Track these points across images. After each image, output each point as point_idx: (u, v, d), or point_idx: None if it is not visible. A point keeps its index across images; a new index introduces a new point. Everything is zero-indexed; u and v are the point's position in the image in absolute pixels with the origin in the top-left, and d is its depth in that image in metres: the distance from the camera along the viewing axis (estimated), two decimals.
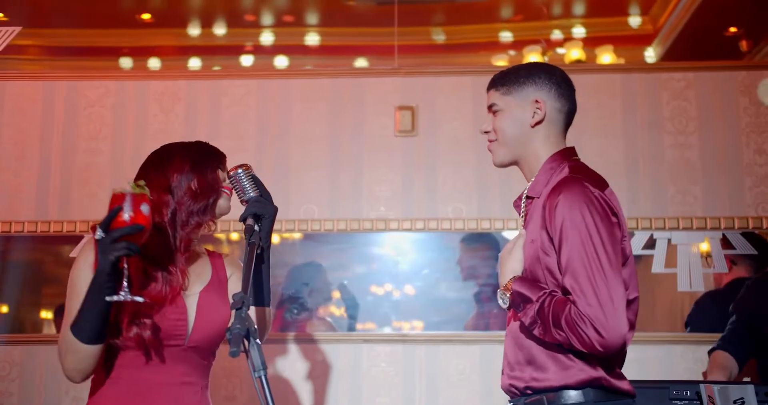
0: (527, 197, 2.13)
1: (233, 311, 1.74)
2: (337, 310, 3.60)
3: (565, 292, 1.91)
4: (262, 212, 2.08)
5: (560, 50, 4.26)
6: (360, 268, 3.63)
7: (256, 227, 2.06)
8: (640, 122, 3.63)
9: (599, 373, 1.95)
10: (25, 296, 3.66)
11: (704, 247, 3.50)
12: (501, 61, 4.65)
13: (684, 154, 3.59)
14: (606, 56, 4.98)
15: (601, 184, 2.03)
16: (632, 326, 1.96)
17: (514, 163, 2.16)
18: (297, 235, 3.60)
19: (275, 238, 3.60)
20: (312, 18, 3.92)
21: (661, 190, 3.56)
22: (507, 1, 4.36)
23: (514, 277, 2.01)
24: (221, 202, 2.16)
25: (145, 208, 1.85)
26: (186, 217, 2.08)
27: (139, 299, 1.88)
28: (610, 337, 1.83)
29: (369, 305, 3.57)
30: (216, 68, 3.89)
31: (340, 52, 3.89)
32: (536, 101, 2.11)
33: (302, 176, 3.63)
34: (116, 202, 1.85)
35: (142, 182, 1.90)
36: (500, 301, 2.03)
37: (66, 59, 3.95)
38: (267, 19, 3.93)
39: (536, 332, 1.94)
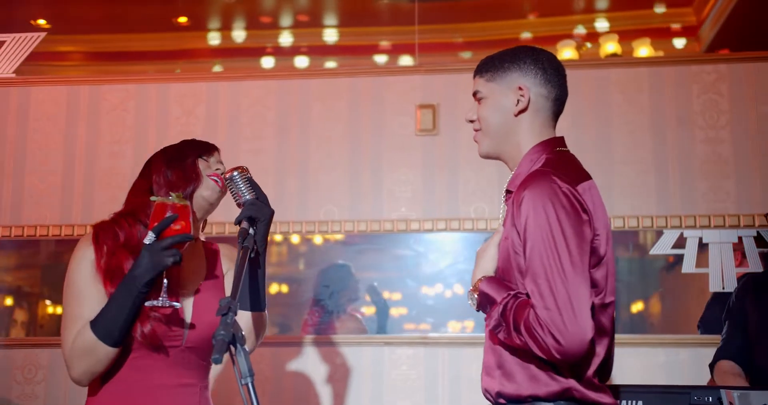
0: (507, 192, 1.99)
1: (221, 317, 1.70)
2: (367, 311, 3.56)
3: (527, 294, 1.78)
4: (257, 215, 2.03)
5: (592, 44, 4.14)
6: (383, 269, 3.58)
7: (251, 230, 2.02)
8: (668, 117, 3.51)
9: (570, 382, 1.82)
10: (50, 300, 3.70)
11: (737, 245, 3.37)
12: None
13: (715, 150, 3.46)
14: (643, 49, 4.85)
15: (576, 178, 1.87)
16: (607, 333, 1.85)
17: (498, 155, 2.03)
18: (338, 236, 3.56)
19: (295, 239, 3.58)
20: (331, 17, 3.89)
21: (691, 187, 3.43)
22: None
23: (483, 276, 1.90)
24: (204, 192, 2.13)
25: (190, 220, 1.94)
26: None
27: (177, 305, 1.91)
28: (568, 343, 1.69)
29: (392, 305, 3.52)
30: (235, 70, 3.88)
31: (360, 52, 3.84)
32: (519, 88, 1.97)
33: (322, 177, 3.60)
34: (163, 211, 1.90)
35: (179, 194, 1.96)
36: (469, 302, 1.93)
37: (89, 64, 3.98)
38: (287, 19, 3.90)
39: (500, 336, 1.84)
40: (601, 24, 4.45)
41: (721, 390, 2.17)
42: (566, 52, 4.67)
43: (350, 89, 3.67)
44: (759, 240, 3.35)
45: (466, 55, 3.89)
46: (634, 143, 3.50)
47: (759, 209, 3.37)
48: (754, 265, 3.33)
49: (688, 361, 3.30)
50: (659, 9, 4.36)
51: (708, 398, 2.24)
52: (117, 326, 1.90)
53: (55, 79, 3.84)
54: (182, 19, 3.99)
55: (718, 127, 3.47)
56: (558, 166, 1.88)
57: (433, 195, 3.55)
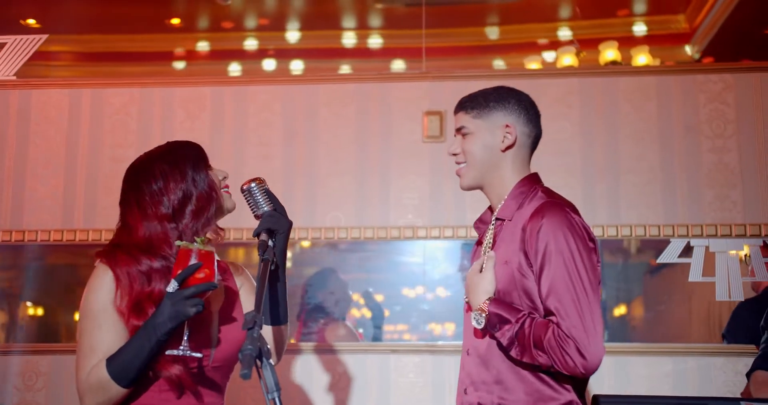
0: (497, 219, 2.15)
1: (247, 331, 1.68)
2: (361, 318, 3.54)
3: (548, 313, 1.94)
4: (276, 227, 2.00)
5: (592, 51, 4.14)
6: (387, 275, 3.56)
7: (270, 242, 1.99)
8: (675, 126, 3.51)
9: (572, 396, 1.99)
10: (50, 306, 3.65)
11: (744, 254, 3.37)
12: (534, 63, 4.56)
13: (722, 159, 3.46)
14: (642, 57, 4.86)
15: (577, 210, 2.08)
16: None
17: (480, 187, 2.20)
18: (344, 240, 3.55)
19: (306, 244, 3.56)
20: (339, 21, 3.86)
21: (698, 196, 3.43)
22: (538, 2, 4.27)
23: (489, 298, 2.02)
24: (226, 203, 2.09)
25: (214, 267, 1.88)
26: (191, 237, 1.99)
27: (198, 355, 1.88)
28: (591, 359, 1.87)
29: (397, 314, 3.50)
30: (240, 74, 3.85)
31: (367, 55, 3.82)
32: (507, 126, 2.14)
33: (328, 183, 3.57)
34: (186, 257, 1.85)
35: (203, 238, 1.91)
36: (474, 322, 2.04)
37: (91, 65, 3.93)
38: (293, 22, 3.88)
39: (513, 353, 1.97)
40: (601, 31, 4.46)
41: (740, 402, 2.16)
42: (566, 59, 4.68)
43: (357, 95, 3.65)
44: (766, 249, 3.36)
45: (473, 60, 3.88)
46: (642, 152, 3.50)
47: (765, 218, 3.38)
48: (761, 275, 3.33)
49: (694, 371, 3.29)
50: (655, 17, 4.39)
51: None
52: (132, 369, 1.86)
53: (57, 82, 3.79)
54: (175, 21, 3.96)
55: (725, 137, 3.48)
56: (563, 200, 2.09)
57: (440, 202, 3.54)
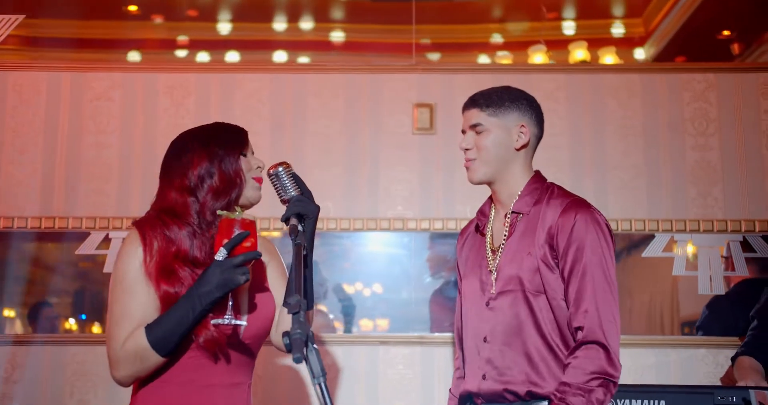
0: (512, 212, 2.23)
1: (291, 315, 1.65)
2: (333, 310, 3.52)
3: (571, 300, 2.07)
4: (305, 212, 1.98)
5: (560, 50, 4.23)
6: (369, 266, 3.55)
7: (300, 227, 1.97)
8: (660, 123, 3.59)
9: None
10: (28, 295, 3.53)
11: (725, 249, 3.47)
12: (505, 60, 4.61)
13: (704, 156, 3.55)
14: (608, 58, 4.96)
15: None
16: None
17: (490, 182, 2.28)
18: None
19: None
20: (328, 15, 3.83)
21: (681, 193, 3.52)
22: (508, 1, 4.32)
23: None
24: (248, 193, 2.06)
25: (257, 237, 1.90)
26: (211, 217, 1.99)
27: (243, 323, 1.89)
28: (618, 363, 2.06)
29: (382, 305, 3.50)
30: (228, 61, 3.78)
31: (356, 49, 3.80)
32: (522, 126, 2.25)
33: (317, 174, 3.54)
34: (230, 227, 1.85)
35: (242, 209, 1.93)
36: None
37: (71, 51, 3.81)
38: (281, 15, 3.83)
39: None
40: (562, 32, 4.55)
41: (749, 390, 2.22)
42: (537, 58, 4.75)
43: (347, 86, 3.63)
44: (745, 245, 3.46)
45: (463, 56, 3.90)
46: (628, 148, 3.56)
47: (745, 215, 3.48)
48: (741, 270, 3.43)
49: (677, 362, 3.37)
50: (612, 19, 4.49)
51: (732, 398, 2.30)
52: (174, 339, 1.85)
53: (35, 64, 3.67)
54: (131, 9, 3.86)
55: (707, 135, 3.57)
56: (582, 198, 2.23)
57: (429, 194, 3.54)
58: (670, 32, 4.56)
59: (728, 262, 3.46)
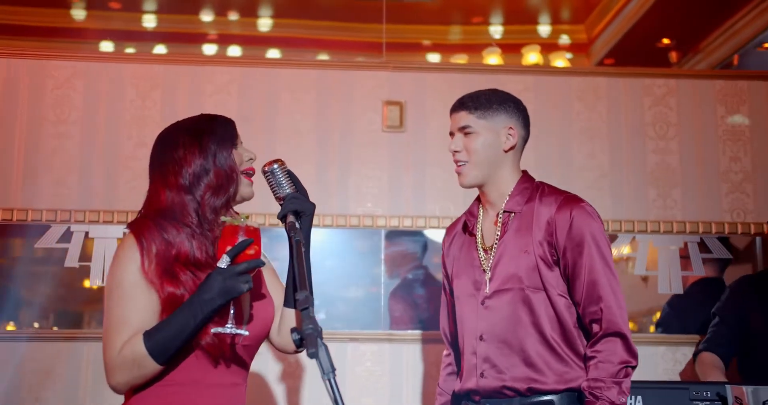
0: (504, 212, 2.27)
1: (300, 311, 1.64)
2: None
3: (588, 300, 2.12)
4: (302, 209, 1.96)
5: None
6: (342, 264, 3.54)
7: (297, 225, 1.95)
8: (623, 126, 3.67)
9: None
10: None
11: (683, 250, 3.58)
12: (461, 61, 4.67)
13: (664, 159, 3.65)
14: (559, 62, 5.08)
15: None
16: None
17: (481, 184, 2.31)
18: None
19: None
20: (299, 12, 3.81)
21: (643, 194, 3.61)
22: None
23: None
24: (243, 190, 2.02)
25: (261, 244, 1.85)
26: (212, 215, 1.94)
27: (245, 333, 1.84)
28: (635, 350, 2.12)
29: (354, 304, 3.49)
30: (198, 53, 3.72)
31: (326, 47, 3.79)
32: (510, 128, 2.29)
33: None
34: (233, 234, 1.81)
35: (246, 215, 1.87)
36: None
37: (30, 39, 3.69)
38: (250, 10, 3.79)
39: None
40: (507, 36, 4.66)
41: (725, 385, 2.30)
42: (491, 59, 4.82)
43: (317, 82, 3.61)
44: (702, 246, 3.57)
45: (432, 56, 3.93)
46: (592, 150, 3.64)
47: (702, 217, 3.59)
48: (698, 270, 3.54)
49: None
50: (556, 26, 4.62)
51: (707, 393, 2.38)
52: (173, 346, 1.79)
53: None
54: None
55: (667, 138, 3.67)
56: (575, 195, 2.28)
57: (399, 192, 3.55)
58: (612, 40, 4.70)
59: (686, 262, 3.56)
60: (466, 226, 2.39)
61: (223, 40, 3.73)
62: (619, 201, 3.59)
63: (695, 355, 3.15)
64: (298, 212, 1.96)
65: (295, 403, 3.33)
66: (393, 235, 3.53)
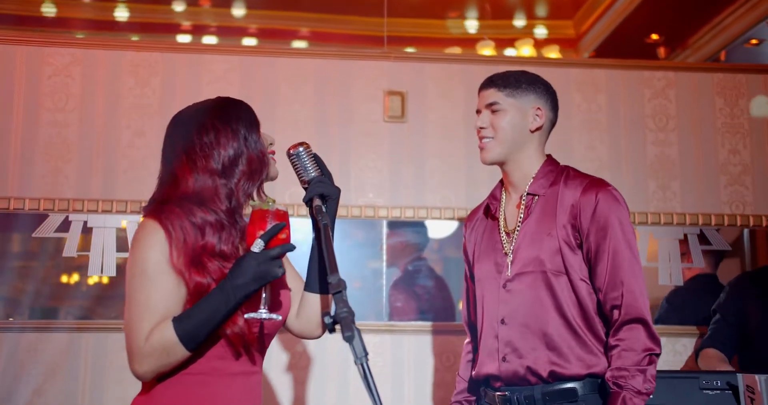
0: (528, 194, 2.25)
1: (331, 295, 1.63)
2: None
3: (610, 285, 2.10)
4: (328, 193, 1.94)
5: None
6: (343, 255, 3.52)
7: (324, 208, 1.93)
8: (623, 119, 3.68)
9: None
10: None
11: (683, 242, 3.59)
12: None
13: (664, 151, 3.67)
14: (552, 55, 5.09)
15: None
16: None
17: (503, 162, 2.28)
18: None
19: None
20: (301, 4, 3.78)
21: (642, 186, 3.62)
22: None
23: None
24: (271, 171, 2.00)
25: (290, 229, 1.82)
26: (244, 199, 1.91)
27: (278, 318, 1.81)
28: (653, 325, 2.11)
29: (355, 295, 3.47)
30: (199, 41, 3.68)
31: (328, 40, 3.77)
32: (538, 108, 2.28)
33: (287, 160, 3.46)
34: (263, 218, 1.78)
35: (273, 199, 1.85)
36: None
37: (28, 29, 3.62)
38: (253, 2, 3.75)
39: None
40: (502, 31, 4.67)
41: (737, 374, 2.31)
42: (485, 52, 4.83)
43: (318, 72, 3.58)
44: (702, 238, 3.60)
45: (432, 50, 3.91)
46: (592, 141, 3.64)
47: (702, 209, 3.61)
48: (698, 262, 3.56)
49: None
50: (543, 21, 4.64)
51: (717, 382, 2.39)
52: (204, 332, 1.75)
53: None
54: None
55: (667, 130, 3.69)
56: (601, 179, 2.27)
57: (400, 182, 3.53)
58: (601, 36, 4.73)
59: (686, 254, 3.58)
60: (488, 209, 2.37)
61: (223, 32, 3.69)
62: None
63: (697, 352, 3.16)
64: (324, 196, 1.94)
65: (301, 394, 3.31)
66: (394, 225, 3.51)
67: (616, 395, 2.02)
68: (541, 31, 4.81)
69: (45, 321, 3.34)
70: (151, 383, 1.84)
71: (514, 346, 2.16)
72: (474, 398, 2.38)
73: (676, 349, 3.48)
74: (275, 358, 3.31)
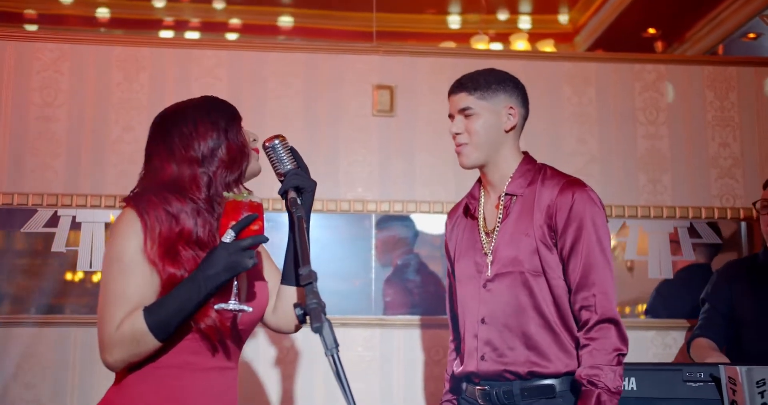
0: (506, 194, 2.24)
1: (304, 287, 1.62)
2: None
3: (581, 284, 2.10)
4: (304, 185, 1.94)
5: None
6: (333, 250, 3.52)
7: (299, 201, 1.93)
8: (613, 112, 3.68)
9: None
10: None
11: (673, 235, 3.59)
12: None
13: (654, 145, 3.66)
14: (547, 50, 5.07)
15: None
16: None
17: (483, 165, 2.28)
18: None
19: None
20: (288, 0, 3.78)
21: (633, 179, 3.62)
22: None
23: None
24: (252, 165, 2.00)
25: (264, 220, 1.81)
26: (223, 188, 1.91)
27: (248, 309, 1.80)
28: (625, 335, 2.12)
29: (345, 289, 3.47)
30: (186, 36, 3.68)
31: (316, 35, 3.76)
32: (510, 107, 2.25)
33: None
34: (237, 209, 1.76)
35: (249, 191, 1.85)
36: None
37: (17, 25, 3.62)
38: None
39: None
40: (496, 24, 4.65)
41: (719, 366, 2.30)
42: (480, 47, 4.81)
43: (307, 66, 3.58)
44: (692, 231, 3.59)
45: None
46: (582, 135, 3.64)
47: (692, 202, 3.60)
48: (688, 255, 3.56)
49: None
50: (541, 15, 4.62)
51: (700, 374, 2.38)
52: (174, 323, 1.75)
53: None
54: None
55: (657, 124, 3.68)
56: (577, 178, 2.24)
57: (389, 176, 3.53)
58: (598, 30, 4.71)
59: (676, 247, 3.57)
60: (467, 209, 2.37)
61: (211, 28, 3.69)
62: (608, 186, 3.59)
63: (689, 342, 3.15)
64: (299, 188, 1.94)
65: (289, 388, 3.31)
66: (383, 220, 3.51)
67: (590, 393, 2.02)
68: (536, 26, 4.80)
69: (41, 316, 3.34)
70: (122, 374, 1.84)
71: (494, 345, 2.17)
72: (456, 397, 2.38)
73: (666, 343, 3.48)
74: (263, 352, 3.32)
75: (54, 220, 3.33)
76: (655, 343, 3.48)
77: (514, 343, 2.15)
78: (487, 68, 2.35)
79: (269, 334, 3.33)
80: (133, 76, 3.50)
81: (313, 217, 3.39)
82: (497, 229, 2.23)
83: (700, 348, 2.99)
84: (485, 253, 2.23)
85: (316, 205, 3.44)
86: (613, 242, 3.57)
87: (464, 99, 2.25)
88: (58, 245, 3.31)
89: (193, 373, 1.83)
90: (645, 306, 3.56)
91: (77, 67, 3.48)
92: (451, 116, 2.31)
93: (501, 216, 2.24)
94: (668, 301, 3.59)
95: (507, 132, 2.27)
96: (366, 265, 3.47)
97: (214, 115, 1.94)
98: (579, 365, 2.09)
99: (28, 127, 3.41)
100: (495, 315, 2.18)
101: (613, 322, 2.08)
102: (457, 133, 2.26)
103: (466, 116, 2.25)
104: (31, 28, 3.60)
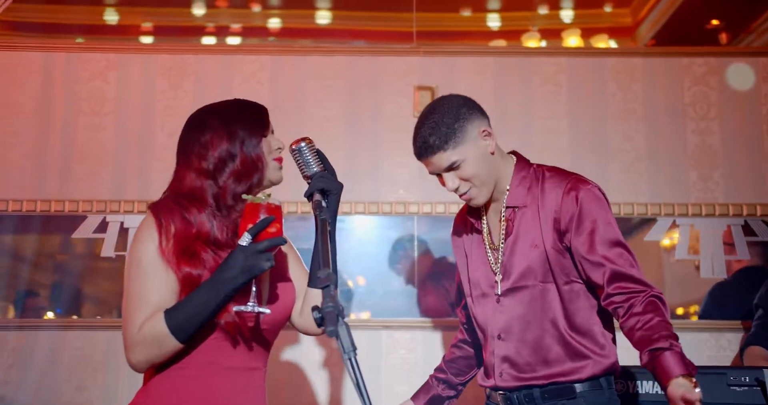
0: (507, 207, 2.19)
1: (321, 290, 1.62)
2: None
3: (612, 277, 2.06)
4: (329, 187, 1.95)
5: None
6: (375, 252, 3.51)
7: (323, 203, 1.93)
8: (661, 107, 3.58)
9: (610, 360, 2.15)
10: (30, 279, 3.46)
11: (727, 233, 3.47)
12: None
13: (705, 141, 3.55)
14: (602, 45, 4.96)
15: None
16: None
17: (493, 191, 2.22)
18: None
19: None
20: (328, 2, 3.78)
21: (683, 177, 3.51)
22: None
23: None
24: (270, 175, 1.99)
25: (282, 222, 1.82)
26: (232, 201, 1.92)
27: (266, 311, 1.81)
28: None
29: (388, 292, 3.46)
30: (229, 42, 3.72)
31: (356, 36, 3.76)
32: (482, 131, 2.17)
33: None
34: (255, 212, 1.78)
35: (268, 193, 1.85)
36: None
37: (64, 36, 3.72)
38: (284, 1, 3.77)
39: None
40: (554, 21, 4.56)
41: (763, 370, 2.22)
42: (530, 44, 4.74)
43: (347, 68, 3.59)
44: (746, 229, 3.46)
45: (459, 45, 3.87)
46: (628, 132, 3.55)
47: (746, 199, 3.48)
48: (743, 254, 3.44)
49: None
50: (599, 9, 4.50)
51: (745, 378, 2.29)
52: (194, 325, 1.78)
53: (29, 44, 3.58)
54: None
55: (708, 119, 3.56)
56: (575, 174, 2.21)
57: (431, 178, 3.48)
58: (659, 22, 4.58)
59: (730, 246, 3.45)
60: (470, 224, 2.33)
61: (252, 33, 3.72)
62: (657, 184, 3.49)
63: (742, 350, 3.04)
64: (324, 191, 1.94)
65: (337, 390, 3.32)
66: (425, 221, 3.49)
67: (672, 353, 2.01)
68: (591, 21, 4.69)
69: (88, 320, 3.43)
70: (149, 375, 1.87)
71: (512, 361, 2.17)
72: (443, 376, 2.49)
73: (720, 345, 3.36)
74: (308, 353, 3.33)
75: (103, 226, 3.41)
76: (709, 346, 3.37)
77: (531, 358, 2.14)
78: (428, 111, 2.24)
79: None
80: (178, 83, 3.56)
81: (356, 218, 3.45)
82: (503, 243, 2.19)
83: (753, 356, 2.88)
84: (494, 270, 2.21)
85: (358, 207, 3.45)
86: (665, 241, 3.48)
87: (444, 158, 2.15)
88: (107, 250, 3.39)
89: (216, 372, 1.85)
90: (697, 307, 3.46)
91: (123, 76, 3.56)
92: (437, 175, 2.23)
93: (504, 230, 2.20)
94: (722, 304, 3.47)
95: (493, 154, 2.20)
96: (409, 268, 3.46)
97: (234, 125, 1.95)
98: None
99: (76, 135, 3.49)
100: (511, 331, 2.16)
101: (658, 298, 2.04)
102: (455, 189, 2.19)
103: (455, 169, 2.17)
104: (79, 39, 3.66)
